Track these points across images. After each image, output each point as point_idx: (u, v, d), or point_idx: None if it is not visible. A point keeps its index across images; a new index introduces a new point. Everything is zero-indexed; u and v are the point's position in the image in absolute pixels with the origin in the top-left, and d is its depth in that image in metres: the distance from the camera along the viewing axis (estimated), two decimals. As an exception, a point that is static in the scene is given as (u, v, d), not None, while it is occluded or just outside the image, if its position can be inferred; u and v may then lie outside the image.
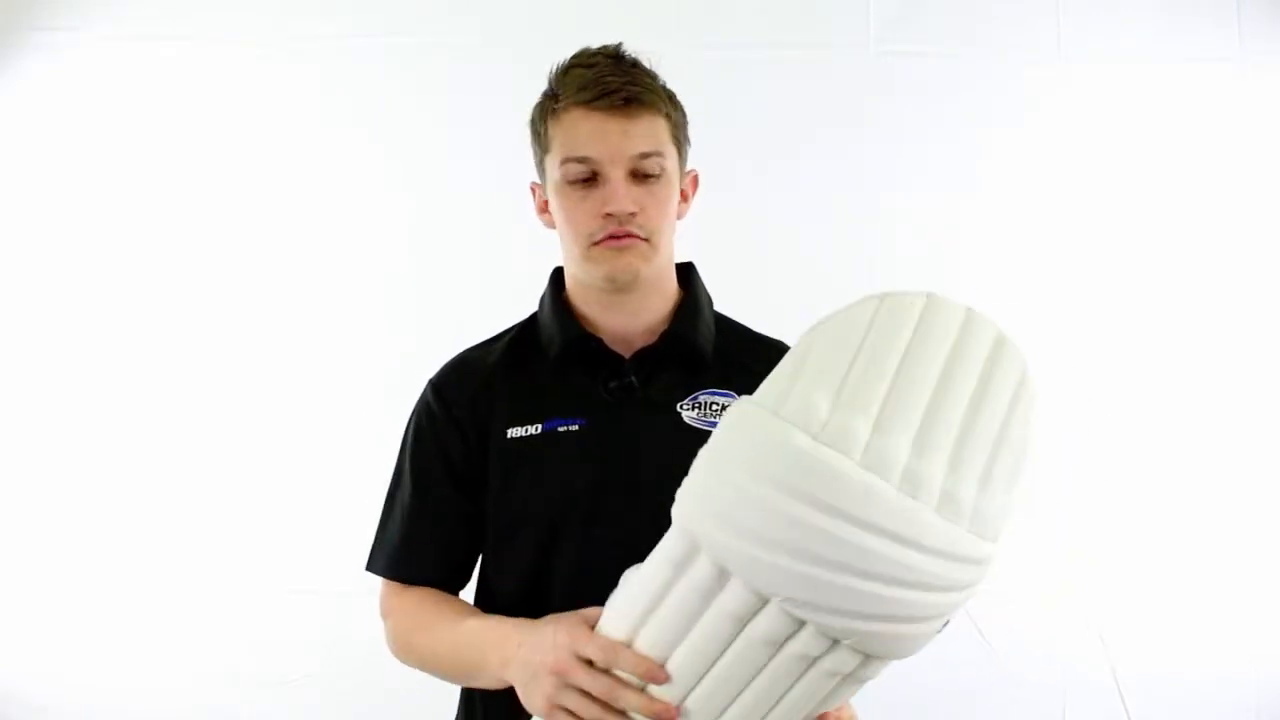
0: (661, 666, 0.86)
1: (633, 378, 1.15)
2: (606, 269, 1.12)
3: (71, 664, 2.31)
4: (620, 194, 1.09)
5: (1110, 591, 2.26)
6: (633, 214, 1.10)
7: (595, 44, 1.15)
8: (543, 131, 1.15)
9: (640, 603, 0.87)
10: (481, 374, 1.18)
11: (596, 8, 2.12)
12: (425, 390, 1.21)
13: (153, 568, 2.31)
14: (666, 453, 1.07)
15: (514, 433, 1.13)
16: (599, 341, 1.16)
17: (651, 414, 1.14)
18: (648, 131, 1.11)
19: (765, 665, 0.82)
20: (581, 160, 1.10)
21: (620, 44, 1.15)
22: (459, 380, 1.19)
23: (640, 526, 1.05)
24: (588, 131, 1.10)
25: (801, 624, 0.79)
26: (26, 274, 2.36)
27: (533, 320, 1.24)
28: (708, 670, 0.84)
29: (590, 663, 0.90)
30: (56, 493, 2.33)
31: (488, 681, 1.04)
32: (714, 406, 1.16)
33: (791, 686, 0.83)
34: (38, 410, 2.34)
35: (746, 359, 1.20)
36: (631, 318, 1.17)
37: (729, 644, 0.82)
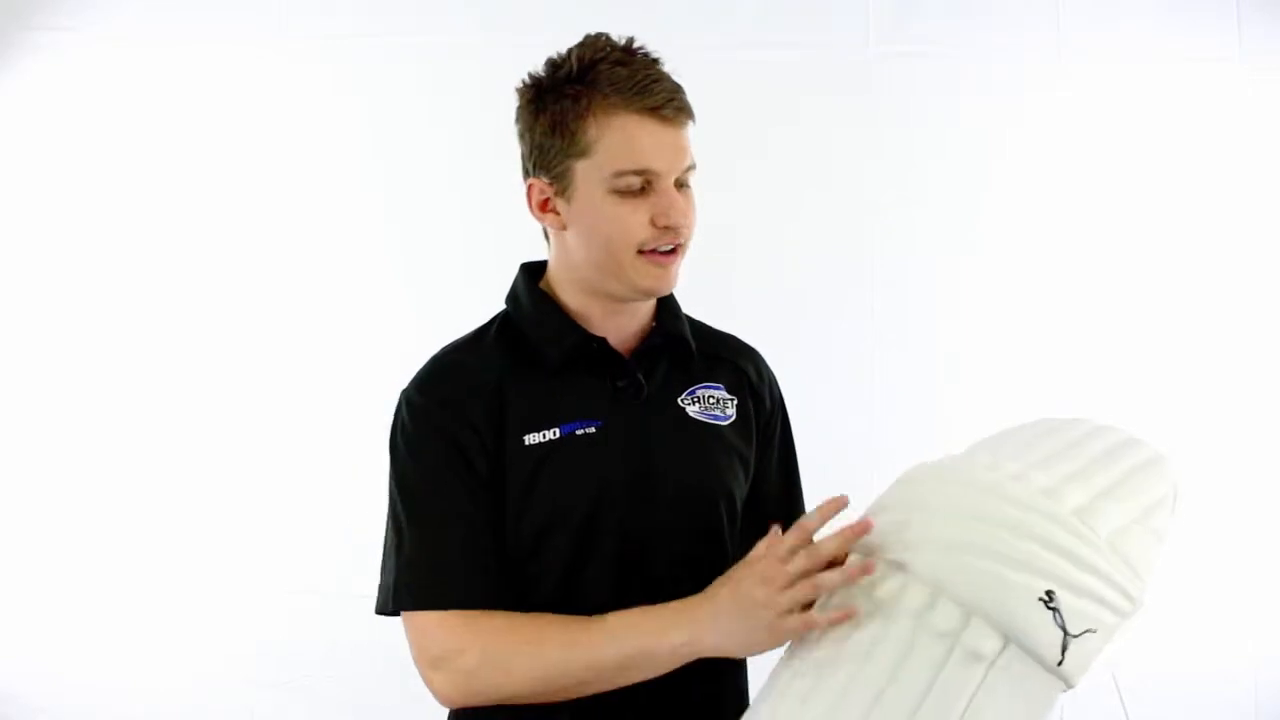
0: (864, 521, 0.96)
1: (640, 375, 1.16)
2: (650, 282, 1.11)
3: (71, 664, 2.31)
4: (681, 206, 1.08)
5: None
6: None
7: (597, 41, 1.12)
8: (575, 131, 1.07)
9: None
10: (483, 378, 1.12)
11: (596, 7, 2.11)
12: (414, 400, 1.12)
13: (152, 568, 2.31)
14: (679, 445, 1.17)
15: (531, 439, 1.10)
16: (603, 342, 1.15)
17: (659, 410, 1.17)
18: (689, 142, 1.11)
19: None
20: (641, 172, 1.06)
21: (632, 38, 1.12)
22: (458, 385, 1.13)
23: (664, 516, 1.14)
24: (649, 143, 1.06)
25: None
26: (26, 274, 2.36)
27: (507, 319, 1.19)
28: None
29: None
30: (56, 493, 2.33)
31: (648, 670, 1.02)
32: (711, 400, 1.20)
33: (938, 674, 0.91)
34: (37, 410, 2.35)
35: (721, 352, 1.25)
36: (630, 319, 1.18)
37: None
